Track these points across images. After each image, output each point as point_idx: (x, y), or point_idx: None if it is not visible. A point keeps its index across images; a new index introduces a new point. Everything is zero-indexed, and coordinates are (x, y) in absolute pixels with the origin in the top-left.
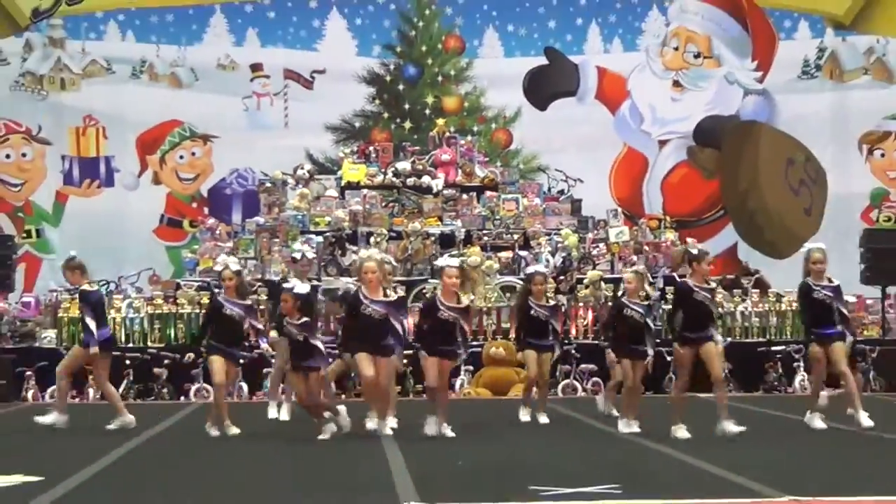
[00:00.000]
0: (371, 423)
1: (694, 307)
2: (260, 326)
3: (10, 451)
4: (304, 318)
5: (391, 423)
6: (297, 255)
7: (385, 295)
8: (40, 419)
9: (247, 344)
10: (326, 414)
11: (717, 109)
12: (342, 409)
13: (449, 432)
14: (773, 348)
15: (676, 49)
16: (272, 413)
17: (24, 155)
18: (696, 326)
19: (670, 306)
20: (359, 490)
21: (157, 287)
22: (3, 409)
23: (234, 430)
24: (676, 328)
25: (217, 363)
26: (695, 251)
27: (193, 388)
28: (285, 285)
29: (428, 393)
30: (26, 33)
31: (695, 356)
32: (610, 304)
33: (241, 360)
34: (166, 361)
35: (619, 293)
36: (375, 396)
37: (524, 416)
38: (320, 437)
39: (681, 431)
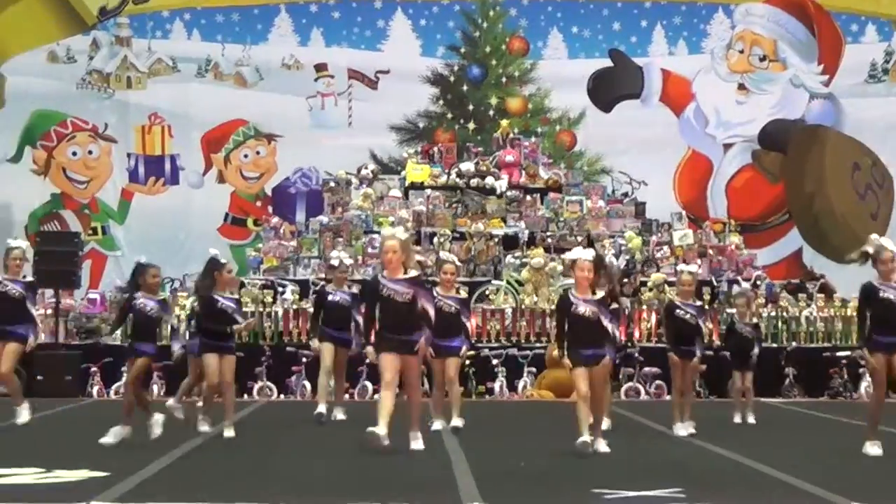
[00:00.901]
0: (437, 424)
1: (882, 308)
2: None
3: (76, 447)
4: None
5: (457, 422)
6: (335, 262)
7: (405, 273)
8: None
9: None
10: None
11: (782, 113)
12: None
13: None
14: (839, 353)
15: (742, 52)
16: (339, 416)
17: (90, 152)
18: (887, 329)
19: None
20: (421, 489)
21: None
22: (68, 405)
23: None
24: (864, 332)
25: (327, 350)
26: (872, 249)
27: (257, 386)
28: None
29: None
30: (93, 32)
31: (889, 361)
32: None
33: (353, 345)
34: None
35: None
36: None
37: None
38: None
39: (874, 448)
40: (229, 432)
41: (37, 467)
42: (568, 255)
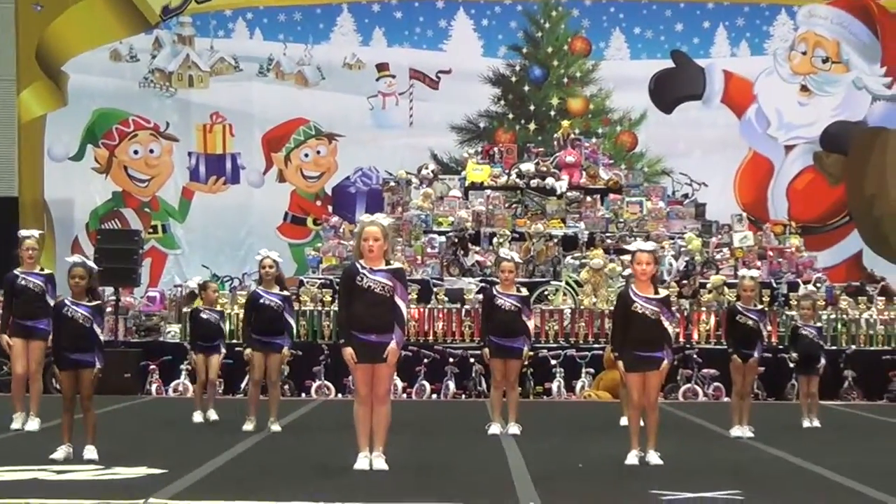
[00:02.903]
0: (494, 428)
1: None
2: None
3: (136, 444)
4: None
5: (514, 429)
6: (260, 257)
7: (388, 264)
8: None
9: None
10: None
11: (844, 115)
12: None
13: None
14: None
15: (804, 53)
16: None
17: (151, 151)
18: None
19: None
20: (479, 491)
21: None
22: (128, 402)
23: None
24: None
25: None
26: None
27: (315, 384)
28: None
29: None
30: (156, 30)
31: None
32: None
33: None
34: (289, 358)
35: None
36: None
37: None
38: None
39: None
40: (276, 427)
41: (95, 464)
42: (629, 247)
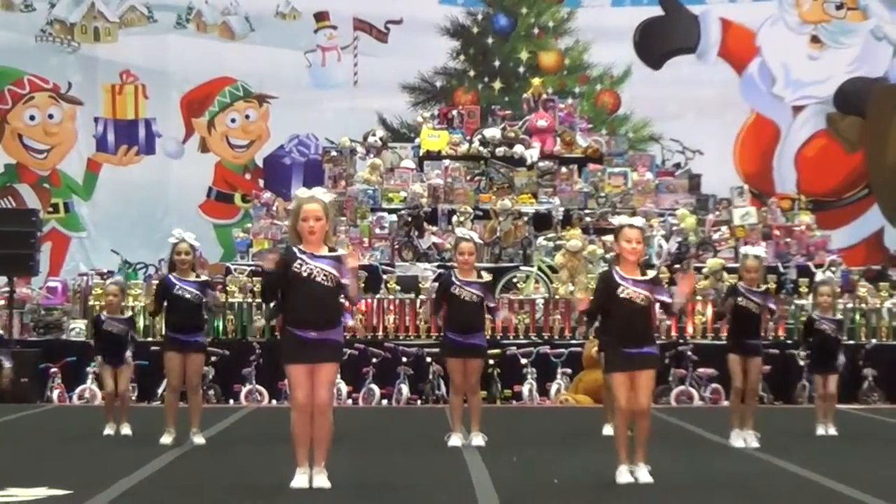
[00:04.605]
0: (454, 439)
1: None
2: None
3: (34, 461)
4: None
5: (477, 440)
6: (175, 240)
7: (332, 251)
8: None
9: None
10: None
11: (862, 70)
12: None
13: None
14: None
15: None
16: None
17: (50, 116)
18: None
19: None
20: None
21: (202, 271)
22: (25, 412)
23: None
24: None
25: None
26: None
27: (245, 389)
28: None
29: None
30: None
31: None
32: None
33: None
34: (213, 358)
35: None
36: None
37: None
38: None
39: None
40: (199, 439)
41: None
42: (615, 221)
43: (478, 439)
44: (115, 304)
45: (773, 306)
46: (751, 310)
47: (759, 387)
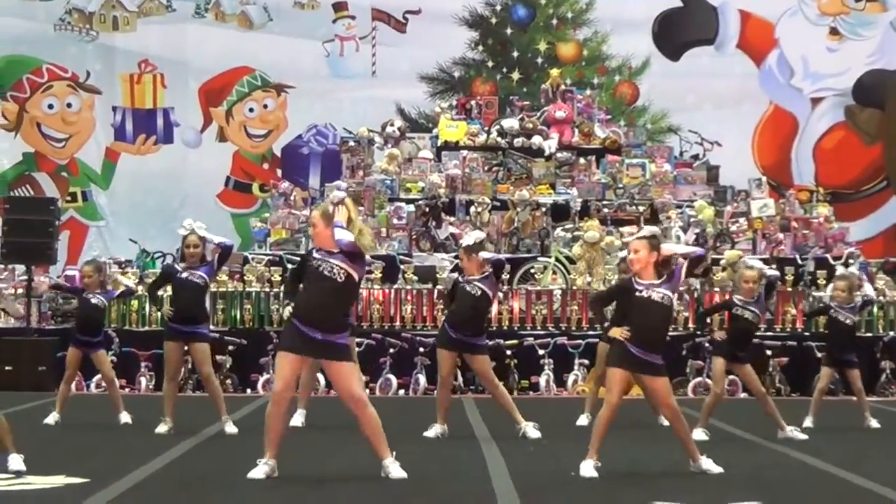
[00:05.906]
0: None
1: None
2: None
3: (52, 449)
4: None
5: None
6: (185, 231)
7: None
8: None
9: None
10: None
11: (881, 62)
12: None
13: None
14: None
15: None
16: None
17: (69, 105)
18: None
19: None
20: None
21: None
22: (43, 400)
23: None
24: None
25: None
26: None
27: (262, 379)
28: None
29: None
30: None
31: None
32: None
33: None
34: (231, 347)
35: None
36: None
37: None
38: None
39: None
40: (231, 427)
41: (4, 472)
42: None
43: (531, 430)
44: (93, 282)
45: (766, 312)
46: (747, 319)
47: (775, 381)
